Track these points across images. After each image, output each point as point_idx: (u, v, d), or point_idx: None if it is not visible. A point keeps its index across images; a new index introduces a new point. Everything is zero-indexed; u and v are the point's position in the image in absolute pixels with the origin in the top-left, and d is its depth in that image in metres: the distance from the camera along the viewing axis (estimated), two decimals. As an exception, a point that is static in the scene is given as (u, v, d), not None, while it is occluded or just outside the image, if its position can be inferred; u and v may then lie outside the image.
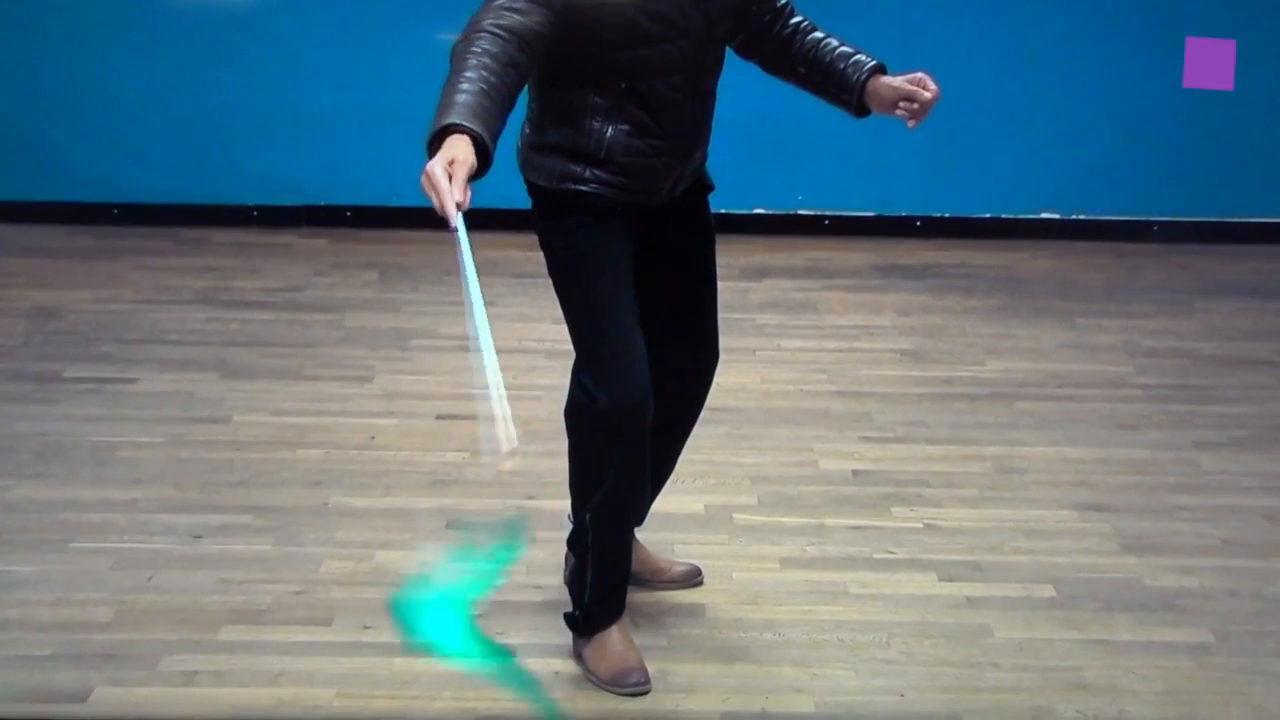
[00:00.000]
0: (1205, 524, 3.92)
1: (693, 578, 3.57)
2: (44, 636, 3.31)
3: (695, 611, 3.46)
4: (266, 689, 3.14)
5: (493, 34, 2.71)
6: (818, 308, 5.60)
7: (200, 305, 5.49)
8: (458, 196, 2.51)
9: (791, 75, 3.20)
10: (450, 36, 2.77)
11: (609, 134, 2.95)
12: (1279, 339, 5.32)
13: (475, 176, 2.59)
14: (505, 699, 3.13)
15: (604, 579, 3.18)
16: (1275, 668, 3.28)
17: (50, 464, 4.17)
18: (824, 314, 5.53)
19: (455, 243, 2.52)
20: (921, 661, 3.28)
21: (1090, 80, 6.29)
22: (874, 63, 3.10)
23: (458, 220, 2.52)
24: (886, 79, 3.08)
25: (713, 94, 3.08)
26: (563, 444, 3.15)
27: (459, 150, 2.55)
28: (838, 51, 3.13)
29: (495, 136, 2.63)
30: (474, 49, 2.70)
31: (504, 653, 3.28)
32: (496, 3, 2.76)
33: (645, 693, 3.13)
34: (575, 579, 3.21)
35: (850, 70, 3.10)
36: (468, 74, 2.66)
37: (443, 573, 3.36)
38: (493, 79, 2.66)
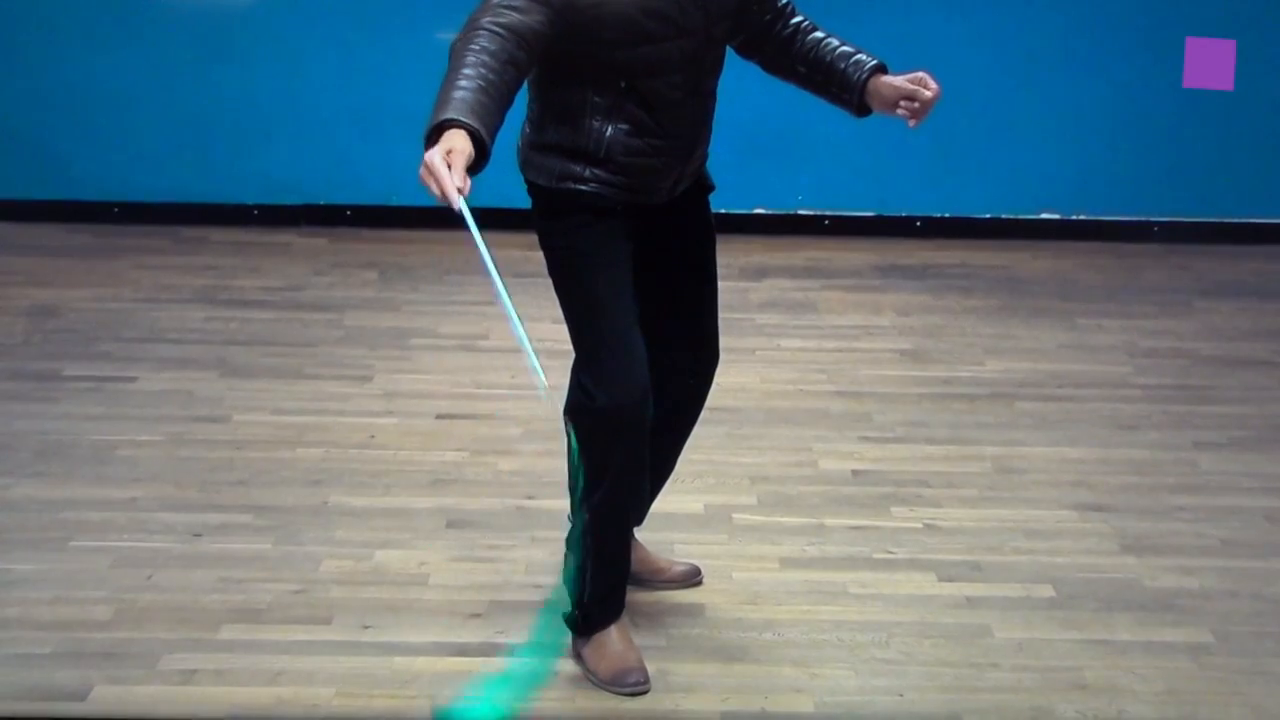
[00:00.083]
0: (1205, 524, 3.92)
1: (692, 577, 3.57)
2: (43, 635, 3.31)
3: (695, 611, 3.46)
4: (266, 688, 3.14)
5: (492, 31, 2.71)
6: (817, 308, 5.60)
7: (200, 304, 5.49)
8: (458, 182, 2.52)
9: (792, 75, 3.20)
10: (450, 36, 2.77)
11: (609, 133, 2.95)
12: (1279, 339, 5.32)
13: (473, 172, 2.59)
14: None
15: (603, 578, 3.17)
16: (1275, 668, 3.28)
17: (50, 462, 4.17)
18: (824, 314, 5.53)
19: (464, 224, 2.52)
20: (921, 661, 3.28)
21: (1090, 80, 6.29)
22: (875, 62, 3.10)
23: (460, 202, 2.52)
24: (887, 78, 3.08)
25: (713, 94, 3.08)
26: (562, 444, 3.15)
27: (456, 141, 2.55)
28: (838, 51, 3.13)
29: (493, 133, 2.63)
30: (473, 46, 2.70)
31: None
32: (496, 1, 2.76)
33: (645, 692, 3.13)
34: (575, 578, 3.21)
35: (851, 70, 3.10)
36: (466, 71, 2.66)
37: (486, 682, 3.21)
38: (491, 76, 2.66)
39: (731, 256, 5.56)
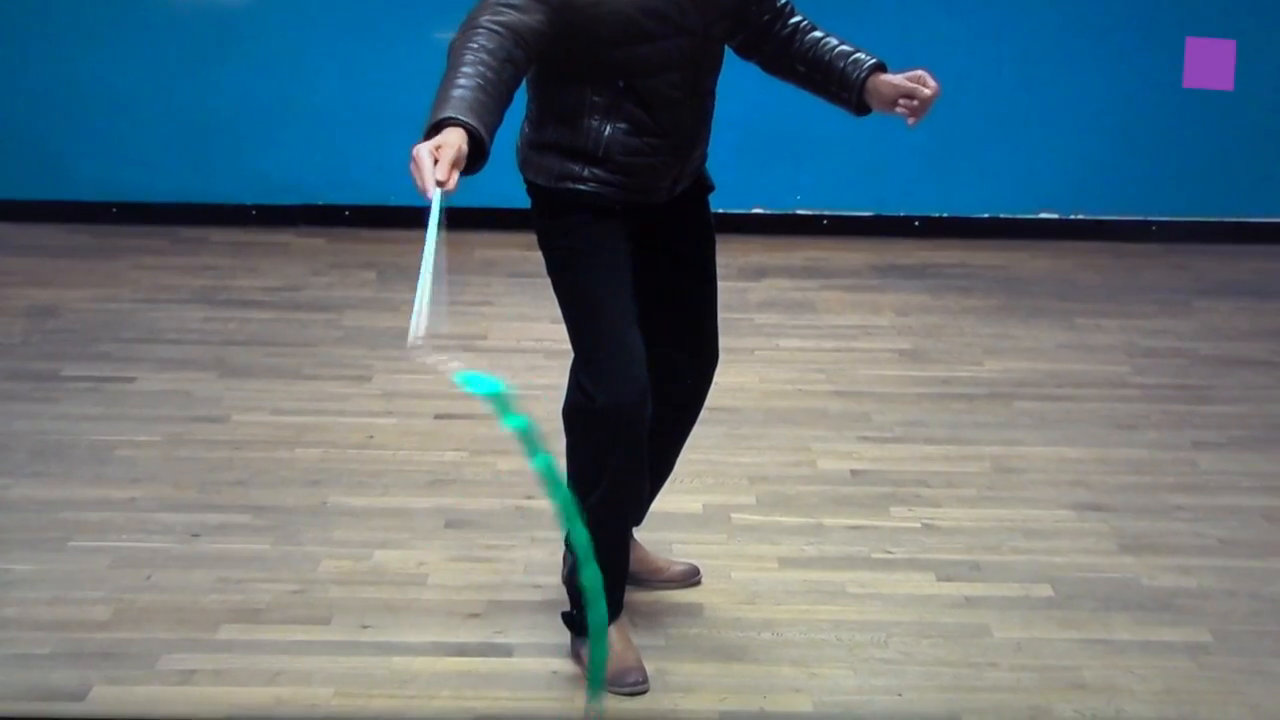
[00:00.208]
0: (1203, 524, 3.92)
1: (691, 577, 3.57)
2: (42, 635, 3.31)
3: (693, 611, 3.46)
4: (265, 688, 3.13)
5: (490, 30, 2.71)
6: (816, 307, 5.60)
7: (198, 304, 5.49)
8: (440, 175, 2.50)
9: (791, 74, 3.20)
10: (448, 35, 2.77)
11: (607, 132, 2.95)
12: (1277, 339, 5.32)
13: (473, 171, 2.59)
14: (504, 698, 3.13)
15: (602, 578, 3.16)
16: (1273, 667, 3.28)
17: (48, 463, 4.17)
18: (822, 314, 5.53)
19: (428, 213, 2.50)
20: (920, 661, 3.28)
21: (1090, 80, 6.29)
22: (874, 60, 3.10)
23: (434, 194, 2.51)
24: (886, 76, 3.08)
25: (712, 93, 3.08)
26: (561, 443, 3.15)
27: (448, 136, 2.55)
28: (837, 50, 3.13)
29: (491, 131, 2.63)
30: (471, 45, 2.70)
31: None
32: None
33: (643, 692, 3.13)
34: (574, 578, 3.20)
35: (850, 68, 3.10)
36: (464, 69, 2.66)
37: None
38: (489, 74, 2.66)
39: (730, 256, 5.54)
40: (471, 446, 4.28)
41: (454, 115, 2.58)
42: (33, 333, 5.18)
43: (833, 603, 3.51)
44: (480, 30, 2.72)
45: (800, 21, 3.17)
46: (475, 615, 3.43)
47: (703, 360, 3.30)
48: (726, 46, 3.12)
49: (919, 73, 3.05)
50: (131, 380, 4.76)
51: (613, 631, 3.17)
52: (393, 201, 6.23)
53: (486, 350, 5.06)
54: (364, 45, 6.25)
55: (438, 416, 4.50)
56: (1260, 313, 5.60)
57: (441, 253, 2.42)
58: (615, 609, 3.21)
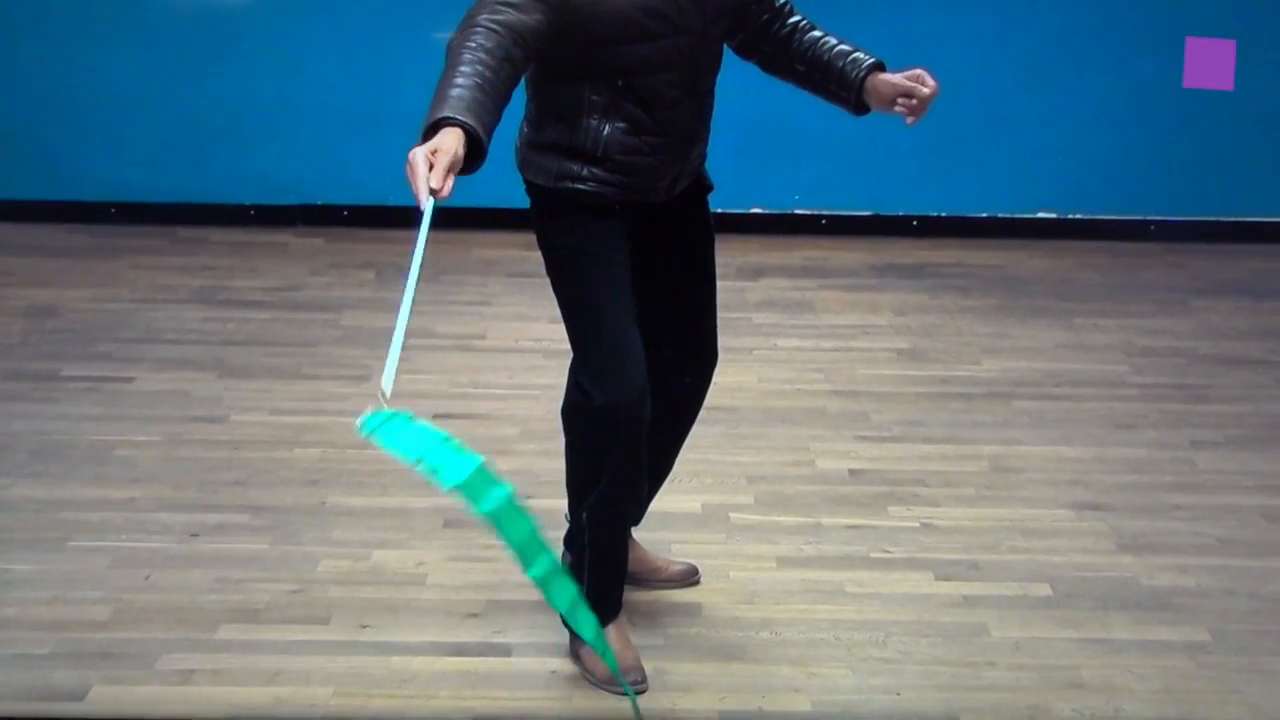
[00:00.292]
0: (1202, 523, 3.93)
1: (689, 577, 3.57)
2: (41, 635, 3.31)
3: (692, 611, 3.46)
4: (264, 688, 3.14)
5: (488, 29, 2.72)
6: (814, 307, 5.60)
7: (197, 304, 5.49)
8: (434, 183, 2.50)
9: (790, 74, 3.20)
10: (448, 35, 2.77)
11: (606, 132, 2.95)
12: (1276, 338, 5.32)
13: (471, 170, 2.59)
14: (503, 698, 3.14)
15: (601, 578, 3.17)
16: (1272, 666, 3.29)
17: (48, 463, 4.17)
18: (821, 313, 5.53)
19: (418, 223, 2.51)
20: (918, 660, 3.28)
21: (1089, 80, 6.29)
22: (873, 60, 3.10)
23: (427, 203, 2.51)
24: (885, 75, 3.08)
25: (711, 93, 3.08)
26: (560, 443, 3.15)
27: (445, 140, 2.54)
28: (836, 50, 3.13)
29: (490, 130, 2.63)
30: (469, 44, 2.70)
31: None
32: (492, -2, 2.77)
33: (642, 692, 3.13)
34: (572, 578, 3.20)
35: (849, 68, 3.10)
36: (463, 69, 2.66)
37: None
38: (488, 73, 2.66)
39: (729, 256, 5.55)
40: (470, 446, 4.27)
41: (451, 115, 2.58)
42: (32, 333, 5.18)
43: (831, 602, 3.51)
44: (478, 29, 2.72)
45: (799, 21, 3.17)
46: (474, 615, 3.43)
47: (702, 360, 3.30)
48: (725, 46, 3.12)
49: (918, 72, 3.06)
50: (130, 380, 4.77)
51: (611, 631, 3.17)
52: (391, 201, 6.22)
53: (484, 350, 5.06)
54: (363, 45, 6.25)
55: (436, 416, 4.50)
56: (1258, 312, 5.60)
57: (420, 275, 2.40)
58: (614, 609, 3.21)
